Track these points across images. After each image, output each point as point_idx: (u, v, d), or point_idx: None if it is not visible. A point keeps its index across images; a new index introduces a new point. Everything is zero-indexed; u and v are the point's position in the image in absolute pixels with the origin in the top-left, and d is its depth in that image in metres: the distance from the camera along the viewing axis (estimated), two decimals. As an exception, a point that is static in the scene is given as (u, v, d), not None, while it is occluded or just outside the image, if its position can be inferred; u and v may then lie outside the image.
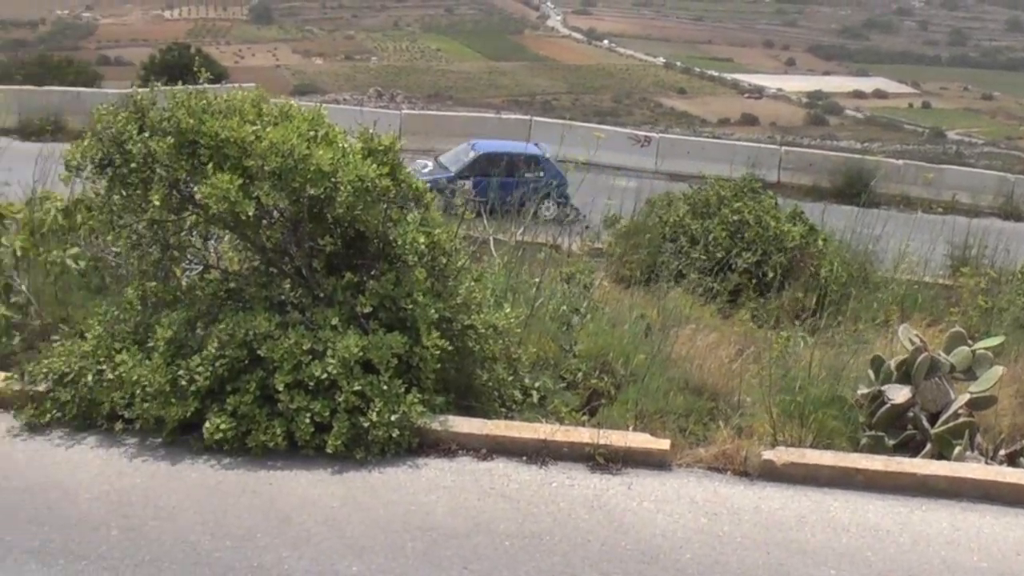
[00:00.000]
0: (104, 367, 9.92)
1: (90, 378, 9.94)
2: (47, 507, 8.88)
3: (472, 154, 29.76)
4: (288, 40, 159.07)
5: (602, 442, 9.88)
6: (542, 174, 27.66)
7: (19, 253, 11.49)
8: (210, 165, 9.75)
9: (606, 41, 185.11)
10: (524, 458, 9.87)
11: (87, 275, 11.63)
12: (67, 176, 11.50)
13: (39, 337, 11.21)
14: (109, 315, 10.38)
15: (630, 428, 10.30)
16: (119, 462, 9.56)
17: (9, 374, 10.58)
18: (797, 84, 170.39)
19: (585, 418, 10.58)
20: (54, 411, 10.11)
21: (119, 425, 9.88)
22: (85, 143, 10.50)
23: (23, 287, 11.52)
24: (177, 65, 37.40)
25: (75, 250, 11.58)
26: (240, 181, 9.61)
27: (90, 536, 8.45)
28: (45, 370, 10.21)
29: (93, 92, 31.86)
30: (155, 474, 9.36)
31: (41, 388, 10.26)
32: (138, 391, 9.69)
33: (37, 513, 8.79)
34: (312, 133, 10.19)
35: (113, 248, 11.33)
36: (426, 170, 27.67)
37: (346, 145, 10.33)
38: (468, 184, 25.33)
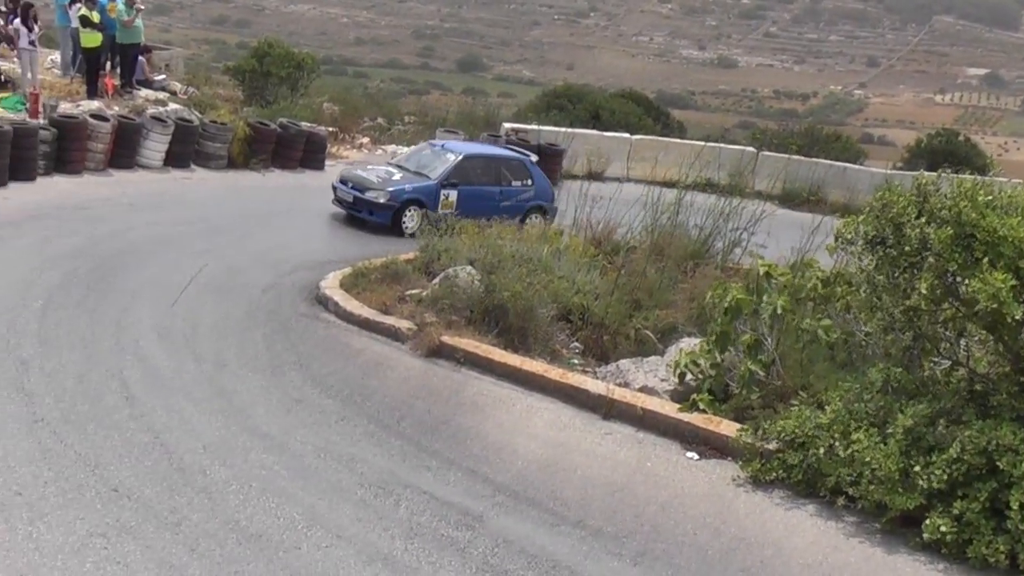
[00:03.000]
0: (837, 442, 9.99)
1: (821, 450, 10.06)
2: (760, 561, 9.12)
3: (452, 157, 22.31)
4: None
5: None
6: (530, 183, 22.95)
7: (778, 312, 11.89)
8: (984, 261, 9.46)
9: None
10: None
11: (834, 348, 11.79)
12: (833, 247, 11.74)
13: (777, 397, 11.55)
14: (851, 392, 10.45)
15: None
16: (835, 537, 9.58)
17: (744, 427, 10.99)
18: None
19: None
20: (780, 471, 10.37)
21: (840, 500, 9.92)
22: (861, 219, 10.64)
23: (772, 346, 11.92)
24: (942, 151, 36.86)
25: (827, 322, 11.78)
26: (1013, 283, 9.23)
27: (798, 603, 8.56)
28: (779, 430, 10.50)
29: (858, 169, 32.36)
30: (869, 558, 9.27)
31: (771, 446, 10.58)
32: (867, 472, 9.64)
33: (750, 565, 9.07)
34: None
35: (864, 326, 11.39)
36: (396, 177, 21.64)
37: None
38: (453, 195, 21.62)
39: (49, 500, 9.15)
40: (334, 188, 21.74)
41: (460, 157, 22.25)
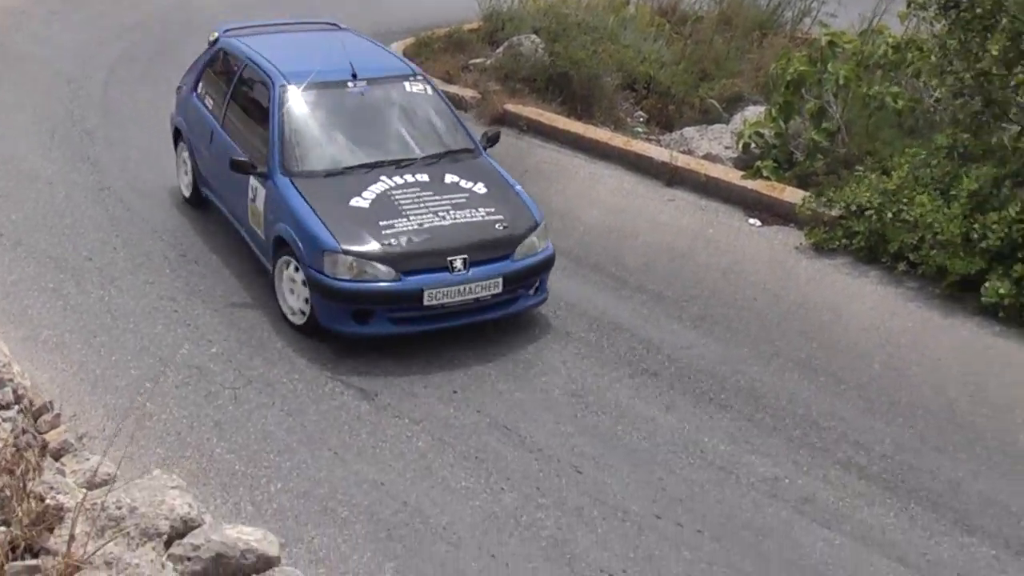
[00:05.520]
0: (903, 207, 9.95)
1: (888, 215, 10.02)
2: (818, 326, 9.24)
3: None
4: None
5: None
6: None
7: (841, 81, 11.71)
8: (1060, 22, 9.21)
9: None
10: None
11: (902, 114, 11.62)
12: (905, 14, 11.47)
13: (841, 164, 11.46)
14: (917, 158, 10.36)
15: None
16: (894, 302, 9.65)
17: (809, 194, 10.96)
18: None
19: None
20: (843, 239, 10.39)
21: (901, 266, 9.94)
22: (941, -17, 10.34)
23: (837, 114, 11.77)
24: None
25: (896, 88, 11.59)
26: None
27: (853, 363, 8.70)
28: (846, 199, 10.45)
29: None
30: (926, 323, 9.34)
31: (835, 213, 10.56)
32: (928, 237, 9.65)
33: (808, 328, 9.19)
34: None
35: (934, 92, 11.20)
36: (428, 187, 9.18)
37: None
38: None
39: (118, 265, 9.51)
40: (341, 290, 8.27)
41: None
